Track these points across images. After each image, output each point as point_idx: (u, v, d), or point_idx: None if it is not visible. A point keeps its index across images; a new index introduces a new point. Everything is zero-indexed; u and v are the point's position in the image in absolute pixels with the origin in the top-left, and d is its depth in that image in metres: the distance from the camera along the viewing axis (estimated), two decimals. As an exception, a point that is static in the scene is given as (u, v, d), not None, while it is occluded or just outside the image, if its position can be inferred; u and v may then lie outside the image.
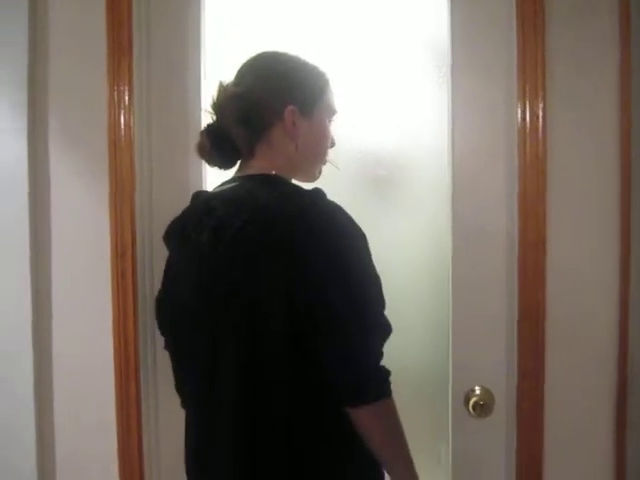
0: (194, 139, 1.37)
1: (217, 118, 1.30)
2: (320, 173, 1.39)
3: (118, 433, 1.67)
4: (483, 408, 1.65)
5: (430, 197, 1.72)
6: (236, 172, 1.34)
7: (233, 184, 1.28)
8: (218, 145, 1.29)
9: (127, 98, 1.64)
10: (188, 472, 1.33)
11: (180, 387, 1.40)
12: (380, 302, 1.18)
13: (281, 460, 1.17)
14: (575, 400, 1.64)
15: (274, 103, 1.27)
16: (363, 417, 1.16)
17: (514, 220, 1.62)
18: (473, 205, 1.65)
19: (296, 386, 1.16)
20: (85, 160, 1.68)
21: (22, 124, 1.65)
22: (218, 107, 1.30)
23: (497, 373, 1.66)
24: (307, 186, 1.26)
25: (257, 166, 1.29)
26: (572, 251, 1.62)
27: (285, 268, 1.11)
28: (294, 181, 1.33)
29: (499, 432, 1.67)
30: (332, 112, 1.36)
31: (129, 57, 1.64)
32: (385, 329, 1.18)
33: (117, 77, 1.65)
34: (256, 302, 1.14)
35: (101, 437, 1.69)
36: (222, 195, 1.26)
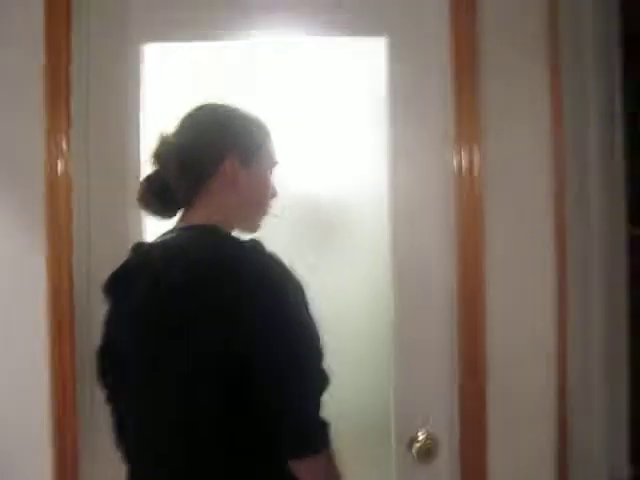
0: (133, 188, 1.36)
1: (157, 168, 1.30)
2: (260, 225, 1.38)
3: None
4: (427, 453, 1.64)
5: (370, 243, 1.73)
6: (177, 221, 1.32)
7: (171, 235, 1.27)
8: (158, 195, 1.28)
9: (65, 146, 1.63)
10: None
11: (119, 442, 1.36)
12: (319, 354, 1.17)
13: None
14: (517, 450, 1.64)
15: (214, 153, 1.26)
16: (303, 468, 1.14)
17: (453, 268, 1.64)
18: (412, 252, 1.67)
19: (234, 446, 1.15)
20: (22, 209, 1.65)
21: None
22: (158, 157, 1.29)
23: (440, 419, 1.66)
24: (246, 236, 1.26)
25: (197, 216, 1.28)
26: (511, 300, 1.64)
27: (220, 324, 1.10)
28: (235, 232, 1.32)
29: (444, 477, 1.66)
30: (272, 163, 1.36)
31: (67, 105, 1.63)
32: (324, 380, 1.16)
33: (55, 125, 1.63)
34: (190, 358, 1.12)
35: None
36: (160, 248, 1.25)
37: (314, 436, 1.15)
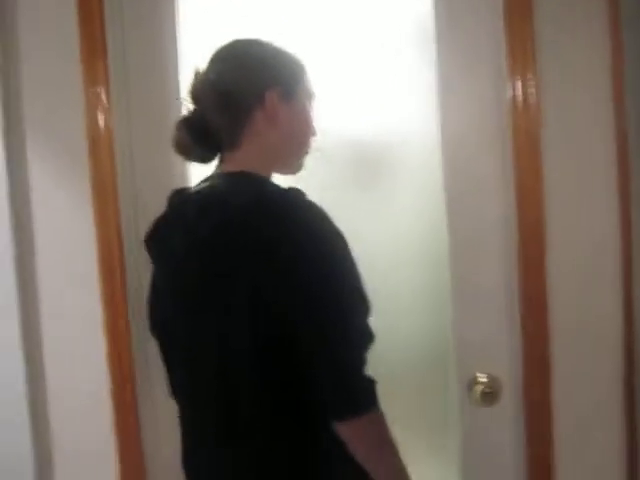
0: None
1: (195, 107, 1.24)
2: (302, 166, 1.32)
3: (117, 441, 1.65)
4: (490, 396, 1.60)
5: (421, 180, 1.66)
6: (216, 167, 1.27)
7: (210, 183, 1.22)
8: (197, 137, 1.22)
9: (104, 98, 1.59)
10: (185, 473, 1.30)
11: (172, 393, 1.35)
12: (363, 309, 1.11)
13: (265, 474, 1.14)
14: (583, 385, 1.59)
15: (253, 88, 1.20)
16: (348, 430, 1.09)
17: (511, 202, 1.57)
18: (467, 189, 1.60)
19: (275, 398, 1.11)
20: (65, 166, 1.64)
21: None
22: (195, 95, 1.23)
23: (502, 359, 1.62)
24: (286, 183, 1.20)
25: (236, 160, 1.22)
26: (572, 231, 1.57)
27: (259, 275, 1.06)
28: (276, 176, 1.28)
29: (506, 421, 1.63)
30: (311, 96, 1.30)
31: (104, 57, 1.59)
32: (368, 336, 1.11)
33: (93, 78, 1.60)
34: (229, 311, 1.09)
35: (100, 445, 1.66)
36: (196, 197, 1.20)
37: (360, 394, 1.09)
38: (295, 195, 1.11)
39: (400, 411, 1.67)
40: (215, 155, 1.27)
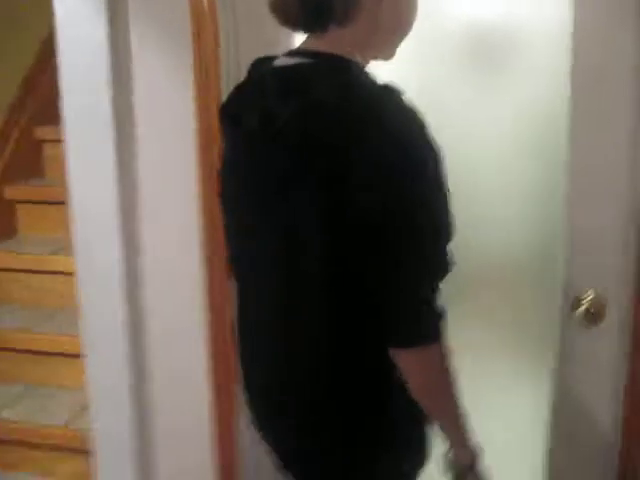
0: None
1: None
2: (396, 51, 1.19)
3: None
4: (595, 315, 1.50)
5: (546, 68, 1.51)
6: (309, 38, 1.12)
7: (298, 59, 1.09)
8: (308, 5, 1.05)
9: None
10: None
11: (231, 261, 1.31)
12: (445, 233, 1.01)
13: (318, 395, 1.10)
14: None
15: None
16: (405, 361, 1.02)
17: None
18: (595, 79, 1.44)
19: (336, 310, 1.04)
20: (167, 36, 1.59)
21: (101, 5, 1.57)
22: None
23: (610, 277, 1.50)
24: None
25: (336, 38, 1.08)
26: None
27: (334, 176, 0.96)
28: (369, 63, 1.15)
29: (610, 344, 1.53)
30: None
31: None
32: (445, 266, 1.02)
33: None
34: (300, 206, 1.01)
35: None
36: (280, 73, 1.09)
37: (426, 323, 1.00)
38: (392, 93, 0.99)
39: (499, 321, 1.62)
40: (318, 26, 1.09)
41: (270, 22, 1.52)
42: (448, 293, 1.53)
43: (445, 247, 1.01)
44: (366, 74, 1.06)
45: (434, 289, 1.01)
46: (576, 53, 1.44)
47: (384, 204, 0.95)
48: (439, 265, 1.01)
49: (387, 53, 1.17)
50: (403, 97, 0.99)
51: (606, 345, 1.53)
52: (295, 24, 1.10)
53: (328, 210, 0.97)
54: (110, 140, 1.61)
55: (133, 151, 1.65)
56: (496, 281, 1.60)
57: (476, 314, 1.62)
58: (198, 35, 1.55)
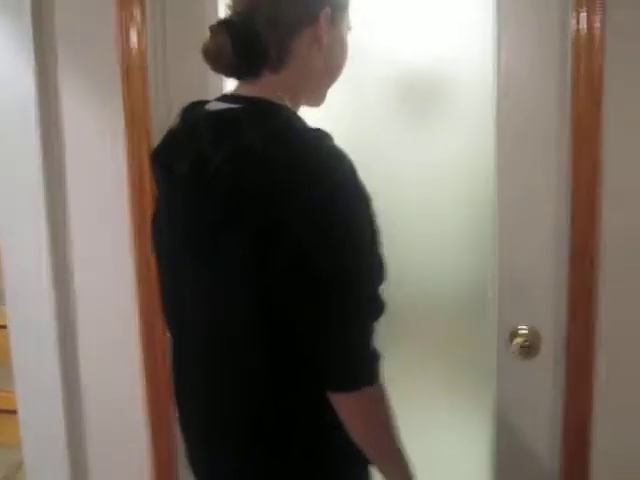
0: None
1: (244, 12, 1.07)
2: (325, 98, 1.19)
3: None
4: (529, 349, 1.54)
5: (472, 119, 1.56)
6: (240, 84, 1.12)
7: (229, 105, 1.07)
8: (241, 45, 1.05)
9: (139, 18, 1.52)
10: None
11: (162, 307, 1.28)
12: (377, 276, 1.01)
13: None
14: (629, 342, 1.51)
15: (311, 3, 1.07)
16: (342, 404, 1.00)
17: (565, 143, 1.47)
18: (520, 125, 1.49)
19: (270, 356, 1.02)
20: (96, 88, 1.58)
21: (28, 53, 1.55)
22: (248, 3, 1.07)
23: (545, 311, 1.54)
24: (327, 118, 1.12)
25: (267, 84, 1.08)
26: (630, 181, 1.46)
27: (263, 223, 0.94)
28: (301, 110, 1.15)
29: (546, 375, 1.57)
30: (349, 27, 1.18)
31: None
32: (379, 308, 1.01)
33: (128, -3, 1.52)
34: (230, 253, 0.99)
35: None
36: (212, 118, 1.07)
37: (364, 366, 0.99)
38: (322, 138, 0.98)
39: (434, 360, 1.64)
40: (250, 72, 1.09)
41: (201, 67, 1.53)
42: (387, 332, 1.55)
43: (377, 290, 1.01)
44: (297, 118, 1.06)
45: (368, 332, 1.00)
46: (500, 101, 1.49)
47: (314, 250, 0.94)
48: (372, 308, 1.00)
49: (317, 99, 1.18)
50: (333, 142, 0.99)
51: (542, 378, 1.56)
52: (228, 71, 1.09)
53: (258, 257, 0.95)
54: (40, 191, 1.58)
55: (64, 202, 1.62)
56: (433, 319, 1.62)
57: (415, 351, 1.64)
58: (127, 84, 1.54)
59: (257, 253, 0.95)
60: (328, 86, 1.19)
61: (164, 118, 1.56)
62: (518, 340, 1.54)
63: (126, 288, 1.63)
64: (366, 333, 1.00)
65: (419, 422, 1.65)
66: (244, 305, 1.00)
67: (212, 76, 1.40)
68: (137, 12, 1.52)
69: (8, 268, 1.64)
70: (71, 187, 1.62)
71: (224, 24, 1.06)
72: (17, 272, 1.63)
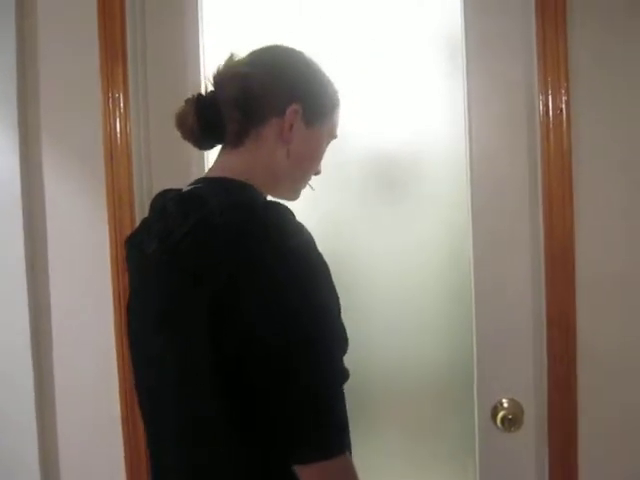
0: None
1: (213, 90, 1.14)
2: (297, 196, 1.23)
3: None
4: (512, 422, 1.55)
5: (448, 198, 1.62)
6: (208, 170, 1.17)
7: (194, 185, 1.12)
8: (202, 118, 1.11)
9: (122, 105, 1.56)
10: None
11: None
12: (338, 347, 1.00)
13: None
14: (611, 412, 1.54)
15: (281, 95, 1.12)
16: (307, 476, 0.97)
17: (539, 222, 1.52)
18: (494, 206, 1.55)
19: (234, 430, 1.00)
20: (81, 173, 1.61)
21: (13, 138, 1.58)
22: (218, 79, 1.14)
23: (525, 384, 1.56)
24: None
25: (235, 164, 1.12)
26: (603, 253, 1.52)
27: (218, 289, 0.94)
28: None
29: (529, 447, 1.57)
30: (332, 136, 1.22)
31: (123, 62, 1.56)
32: (342, 377, 0.99)
33: (111, 84, 1.56)
34: (190, 328, 0.99)
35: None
36: (180, 198, 1.10)
37: (325, 437, 0.97)
38: (283, 210, 0.99)
39: (419, 434, 1.64)
40: (210, 145, 1.18)
41: (183, 150, 1.58)
42: (366, 406, 1.56)
43: (339, 359, 0.99)
44: (257, 192, 1.08)
45: (333, 402, 0.98)
46: (472, 181, 1.55)
47: (270, 315, 0.93)
48: (337, 377, 0.99)
49: (286, 192, 1.20)
50: (294, 216, 1.00)
51: (525, 449, 1.57)
52: (192, 139, 1.15)
53: (214, 333, 0.95)
54: (22, 275, 1.59)
55: (47, 286, 1.63)
56: (414, 394, 1.63)
57: (394, 424, 1.65)
58: (111, 166, 1.57)
59: (215, 326, 0.94)
60: (296, 183, 1.21)
61: (147, 201, 1.59)
62: (500, 412, 1.55)
63: (109, 375, 1.61)
64: (331, 403, 0.97)
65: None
66: (207, 381, 0.98)
67: (196, 157, 1.43)
68: (120, 96, 1.56)
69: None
70: (53, 271, 1.62)
71: (193, 99, 1.14)
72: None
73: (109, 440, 1.62)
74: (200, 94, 1.14)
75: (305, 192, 1.23)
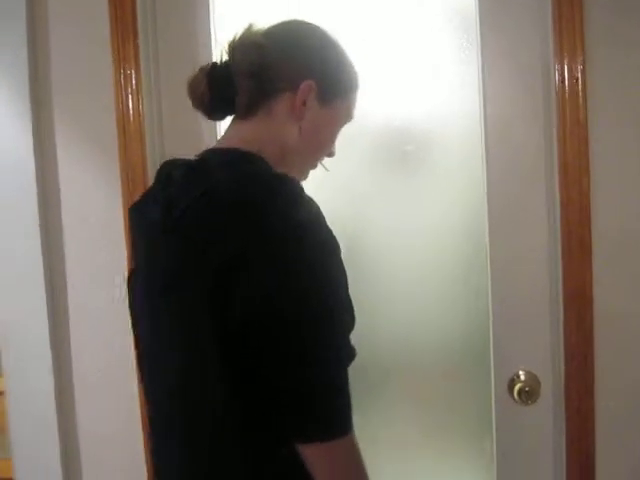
0: (207, 122, 1.25)
1: (227, 59, 1.11)
2: (306, 176, 1.20)
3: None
4: (528, 394, 1.54)
5: (463, 171, 1.60)
6: (218, 141, 1.16)
7: (201, 155, 1.10)
8: (216, 87, 1.09)
9: (134, 81, 1.55)
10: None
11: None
12: (345, 325, 0.97)
13: None
14: (627, 383, 1.53)
15: (295, 69, 1.09)
16: (311, 456, 0.96)
17: (555, 193, 1.51)
18: (510, 179, 1.53)
19: (236, 406, 0.98)
20: (94, 149, 1.61)
21: (26, 116, 1.58)
22: (233, 47, 1.11)
23: (542, 356, 1.55)
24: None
25: (245, 135, 1.10)
26: (619, 224, 1.50)
27: (225, 260, 0.92)
28: None
29: (546, 420, 1.57)
30: (349, 117, 1.20)
31: (134, 37, 1.55)
32: (348, 356, 0.97)
33: (123, 60, 1.55)
34: (193, 299, 0.97)
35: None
36: (184, 167, 1.08)
37: (333, 416, 0.95)
38: (292, 182, 0.97)
39: (436, 407, 1.64)
40: (221, 116, 1.16)
41: (196, 126, 1.57)
42: (383, 379, 1.56)
43: (346, 337, 0.98)
44: (266, 164, 1.04)
45: (339, 381, 0.96)
46: (488, 153, 1.54)
47: (277, 288, 0.91)
48: (343, 355, 0.97)
49: (297, 171, 1.15)
50: (303, 190, 0.97)
51: (542, 421, 1.57)
52: (202, 107, 1.13)
53: (220, 304, 0.93)
54: (38, 254, 1.59)
55: (62, 261, 1.63)
56: (432, 367, 1.63)
57: (413, 403, 1.65)
58: (124, 142, 1.56)
59: (219, 299, 0.92)
60: (305, 163, 1.18)
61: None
62: (517, 384, 1.55)
63: (127, 367, 1.61)
64: (337, 382, 0.95)
65: (418, 472, 1.65)
66: (209, 355, 0.97)
67: (207, 132, 1.42)
68: (132, 72, 1.55)
69: (4, 341, 1.64)
70: (69, 249, 1.63)
71: (206, 67, 1.12)
72: (16, 344, 1.63)
73: (127, 417, 1.64)
74: (215, 63, 1.12)
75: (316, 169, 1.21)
